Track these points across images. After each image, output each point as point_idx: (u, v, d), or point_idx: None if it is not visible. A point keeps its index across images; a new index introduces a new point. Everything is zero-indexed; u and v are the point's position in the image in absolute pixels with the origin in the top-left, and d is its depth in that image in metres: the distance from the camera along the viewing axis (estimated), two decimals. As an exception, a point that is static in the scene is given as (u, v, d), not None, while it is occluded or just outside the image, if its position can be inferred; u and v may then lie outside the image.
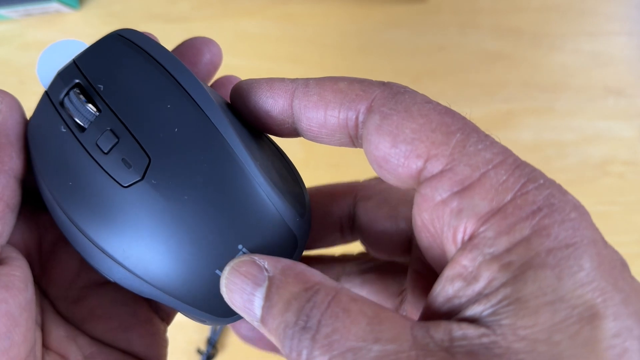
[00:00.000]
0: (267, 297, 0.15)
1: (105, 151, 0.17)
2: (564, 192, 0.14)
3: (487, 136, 0.15)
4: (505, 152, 0.15)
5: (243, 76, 0.50)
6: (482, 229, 0.14)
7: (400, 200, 0.21)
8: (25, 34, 0.46)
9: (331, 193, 0.23)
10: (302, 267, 0.15)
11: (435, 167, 0.15)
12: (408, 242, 0.21)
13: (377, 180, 0.22)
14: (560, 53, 0.45)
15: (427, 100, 0.16)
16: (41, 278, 0.20)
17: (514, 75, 0.45)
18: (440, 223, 0.15)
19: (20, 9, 0.43)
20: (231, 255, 0.17)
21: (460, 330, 0.13)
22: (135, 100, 0.17)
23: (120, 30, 0.19)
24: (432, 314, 0.14)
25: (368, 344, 0.13)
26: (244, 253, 0.17)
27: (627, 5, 0.46)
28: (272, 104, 0.19)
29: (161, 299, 0.17)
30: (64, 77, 0.19)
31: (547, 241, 0.13)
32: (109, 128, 0.17)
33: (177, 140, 0.17)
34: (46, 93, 0.19)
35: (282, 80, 0.19)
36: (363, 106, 0.16)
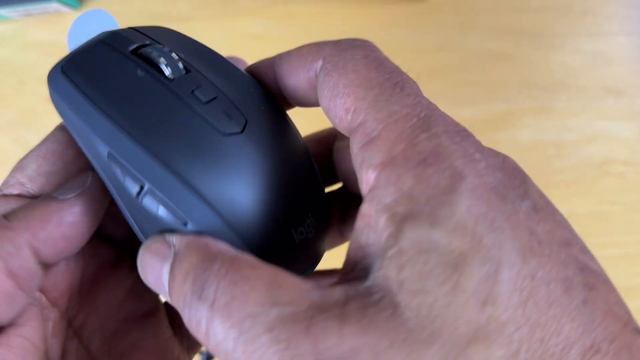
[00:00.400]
0: (171, 271, 0.15)
1: (205, 101, 0.17)
2: (456, 141, 0.14)
3: (403, 89, 0.16)
4: (415, 105, 0.15)
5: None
6: (376, 179, 0.14)
7: None
8: (25, 34, 0.46)
9: (316, 138, 0.23)
10: (206, 240, 0.15)
11: (355, 120, 0.16)
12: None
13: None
14: (560, 53, 0.45)
15: (365, 55, 0.17)
16: (79, 311, 0.20)
17: (514, 75, 0.45)
18: (357, 174, 0.15)
19: (20, 9, 0.43)
20: (304, 220, 0.18)
21: (354, 289, 0.13)
22: (211, 69, 0.19)
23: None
24: (350, 265, 0.14)
25: (266, 308, 0.13)
26: (311, 221, 0.18)
27: (627, 5, 0.46)
28: (265, 79, 0.20)
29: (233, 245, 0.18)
30: (128, 34, 0.19)
31: (426, 190, 0.13)
32: (201, 84, 0.18)
33: (260, 111, 0.18)
34: (102, 42, 0.19)
35: (266, 59, 0.21)
36: (317, 65, 0.18)
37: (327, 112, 0.17)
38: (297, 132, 0.20)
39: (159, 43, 0.19)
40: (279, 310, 0.13)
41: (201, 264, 0.14)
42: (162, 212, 0.16)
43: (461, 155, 0.14)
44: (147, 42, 0.19)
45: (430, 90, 0.44)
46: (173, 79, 0.18)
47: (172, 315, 0.23)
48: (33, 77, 0.46)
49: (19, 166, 0.19)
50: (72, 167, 0.19)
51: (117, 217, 0.20)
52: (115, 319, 0.21)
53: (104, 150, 0.17)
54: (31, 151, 0.19)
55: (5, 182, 0.19)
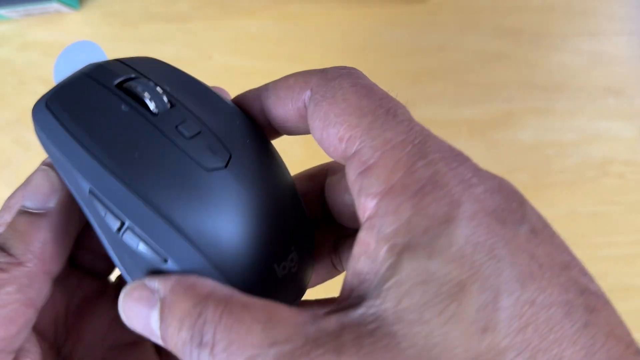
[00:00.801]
0: (162, 318, 0.15)
1: (189, 136, 0.17)
2: (453, 167, 0.14)
3: (396, 116, 0.16)
4: (409, 131, 0.15)
5: (242, 76, 0.51)
6: (376, 208, 0.14)
7: None
8: (25, 34, 0.46)
9: (307, 175, 0.23)
10: (191, 280, 0.16)
11: (350, 148, 0.16)
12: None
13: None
14: (560, 53, 0.45)
15: (353, 84, 0.17)
16: (66, 341, 0.20)
17: (514, 75, 0.45)
18: (354, 202, 0.16)
19: (20, 9, 0.43)
20: (287, 254, 0.18)
21: (348, 318, 0.13)
22: (196, 102, 0.19)
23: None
24: (346, 292, 0.15)
25: (264, 348, 0.13)
26: (294, 256, 0.19)
27: (627, 5, 0.46)
28: (251, 111, 0.20)
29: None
30: (114, 67, 0.19)
31: (424, 220, 0.13)
32: (186, 118, 0.18)
33: (245, 144, 0.19)
34: (87, 75, 0.19)
35: (252, 90, 0.21)
36: (305, 96, 0.18)
37: (320, 143, 0.17)
38: (283, 164, 0.21)
39: (145, 76, 0.19)
40: (277, 349, 0.13)
41: (194, 309, 0.15)
42: (142, 248, 0.16)
43: (458, 181, 0.14)
44: (133, 75, 0.19)
45: (430, 90, 0.44)
46: (157, 114, 0.18)
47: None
48: (33, 77, 0.46)
49: (7, 206, 0.19)
50: None
51: (98, 251, 0.20)
52: (102, 348, 0.21)
53: (85, 186, 0.17)
54: (18, 189, 0.19)
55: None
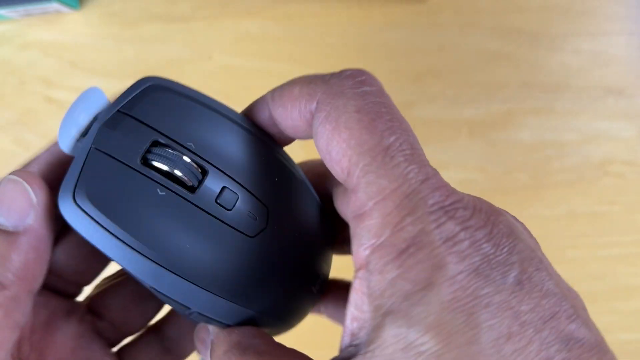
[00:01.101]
0: (211, 356, 0.18)
1: (229, 208, 0.18)
2: (441, 222, 0.14)
3: (393, 157, 0.15)
4: (404, 178, 0.15)
5: (242, 76, 0.51)
6: (366, 261, 0.15)
7: None
8: (25, 34, 0.46)
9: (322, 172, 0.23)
10: (239, 335, 0.18)
11: (349, 184, 0.16)
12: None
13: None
14: (560, 53, 0.45)
15: (358, 109, 0.16)
16: (30, 349, 0.20)
17: (514, 75, 0.45)
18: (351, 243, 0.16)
19: (20, 9, 0.43)
20: (318, 276, 0.20)
21: None
22: (224, 152, 0.18)
23: (149, 79, 0.21)
24: (348, 340, 0.15)
25: None
26: (317, 285, 0.20)
27: (627, 5, 0.46)
28: (262, 122, 0.20)
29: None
30: (122, 131, 0.18)
31: (407, 284, 0.14)
32: (223, 185, 0.18)
33: (278, 187, 0.19)
34: (104, 153, 0.17)
35: (259, 100, 0.21)
36: (312, 106, 0.18)
37: (324, 160, 0.17)
38: (304, 179, 0.21)
39: (160, 132, 0.18)
40: None
41: (227, 354, 0.17)
42: (207, 321, 0.18)
43: (444, 239, 0.14)
44: (151, 141, 0.18)
45: (430, 90, 0.44)
46: (195, 190, 0.17)
47: None
48: (33, 77, 0.46)
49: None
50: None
51: (67, 276, 0.21)
52: None
53: (142, 280, 0.17)
54: None
55: None
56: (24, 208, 0.17)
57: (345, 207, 0.21)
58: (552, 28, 0.45)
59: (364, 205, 0.15)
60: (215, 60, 0.45)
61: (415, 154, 0.16)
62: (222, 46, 0.45)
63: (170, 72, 0.45)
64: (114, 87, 0.45)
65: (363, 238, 0.15)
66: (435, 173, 0.15)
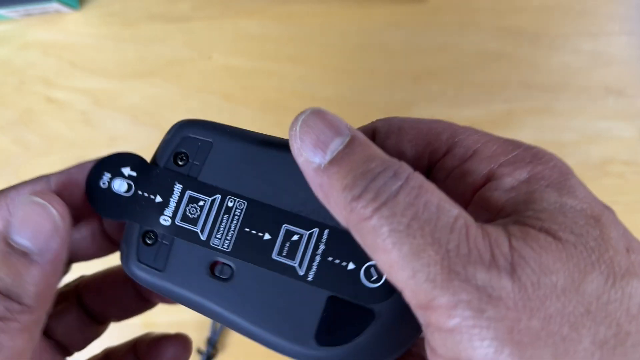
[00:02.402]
0: (349, 146, 0.16)
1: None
2: (547, 152, 0.17)
3: (469, 127, 0.19)
4: (489, 135, 0.19)
5: (242, 76, 0.51)
6: (487, 178, 0.17)
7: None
8: (25, 34, 0.46)
9: None
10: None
11: (436, 156, 0.18)
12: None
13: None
14: (560, 53, 0.45)
15: (415, 119, 0.19)
16: None
17: (514, 75, 0.45)
18: (453, 186, 0.18)
19: (20, 9, 0.43)
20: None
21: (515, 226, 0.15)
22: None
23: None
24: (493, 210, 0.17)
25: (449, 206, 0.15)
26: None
27: (627, 5, 0.46)
28: None
29: None
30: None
31: (542, 180, 0.16)
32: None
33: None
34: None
35: None
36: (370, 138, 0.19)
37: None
38: None
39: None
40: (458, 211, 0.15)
41: (388, 158, 0.16)
42: None
43: (556, 161, 0.17)
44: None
45: (430, 90, 0.44)
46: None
47: None
48: (33, 77, 0.45)
49: None
50: None
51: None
52: None
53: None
54: None
55: None
56: (50, 233, 0.17)
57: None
58: (552, 28, 0.45)
59: (464, 154, 0.18)
60: (215, 60, 0.45)
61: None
62: (222, 46, 0.45)
63: (170, 72, 0.45)
64: (114, 87, 0.45)
65: (477, 170, 0.18)
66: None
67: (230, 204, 0.19)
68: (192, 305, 0.19)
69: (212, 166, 0.19)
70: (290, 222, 0.18)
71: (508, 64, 0.45)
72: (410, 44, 0.45)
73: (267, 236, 0.18)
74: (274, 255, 0.18)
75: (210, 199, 0.19)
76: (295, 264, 0.18)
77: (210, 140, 0.19)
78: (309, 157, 0.16)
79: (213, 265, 0.18)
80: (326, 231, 0.18)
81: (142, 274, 0.19)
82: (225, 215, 0.19)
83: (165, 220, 0.19)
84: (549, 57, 0.45)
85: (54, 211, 0.17)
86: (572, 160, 0.44)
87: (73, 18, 0.46)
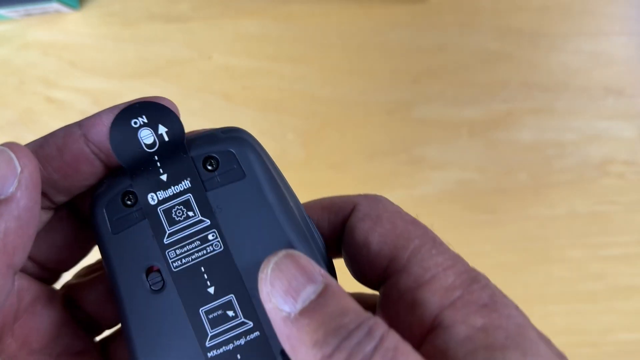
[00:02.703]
0: (322, 295, 0.15)
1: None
2: (504, 295, 0.17)
3: (442, 244, 0.18)
4: (455, 258, 0.18)
5: (242, 76, 0.51)
6: (441, 321, 0.16)
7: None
8: (25, 34, 0.46)
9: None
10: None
11: (395, 267, 0.18)
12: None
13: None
14: (560, 53, 0.45)
15: (398, 210, 0.19)
16: (9, 343, 0.19)
17: (514, 75, 0.45)
18: (403, 314, 0.17)
19: (20, 9, 0.43)
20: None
21: None
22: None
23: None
24: None
25: None
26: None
27: (627, 5, 0.46)
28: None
29: None
30: None
31: (500, 330, 0.16)
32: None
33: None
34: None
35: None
36: (345, 213, 0.20)
37: (353, 259, 0.19)
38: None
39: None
40: None
41: (362, 312, 0.16)
42: None
43: (514, 307, 0.17)
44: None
45: (430, 90, 0.44)
46: None
47: (106, 355, 0.22)
48: (33, 77, 0.45)
49: None
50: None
51: (48, 265, 0.20)
52: (47, 355, 0.20)
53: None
54: None
55: None
56: (7, 176, 0.17)
57: (355, 237, 0.21)
58: (552, 28, 0.45)
59: (420, 277, 0.17)
60: (215, 60, 0.45)
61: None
62: (222, 46, 0.45)
63: (170, 72, 0.45)
64: (114, 87, 0.45)
65: (428, 302, 0.17)
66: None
67: (210, 237, 0.18)
68: (108, 278, 0.18)
69: (226, 195, 0.18)
70: (239, 298, 0.18)
71: (508, 64, 0.45)
72: (410, 44, 0.45)
73: (211, 290, 0.18)
74: (201, 310, 0.18)
75: (200, 217, 0.18)
76: (209, 332, 0.17)
77: (245, 173, 0.18)
78: (278, 304, 0.15)
79: (152, 268, 0.18)
80: (256, 333, 0.17)
81: (98, 220, 0.18)
82: (197, 242, 0.18)
83: (152, 199, 0.18)
84: (549, 57, 0.45)
85: (13, 156, 0.17)
86: (572, 160, 0.44)
87: (73, 18, 0.46)
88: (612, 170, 0.44)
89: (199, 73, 0.45)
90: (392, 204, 0.20)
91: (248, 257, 0.18)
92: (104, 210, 0.18)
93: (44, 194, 0.19)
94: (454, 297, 0.16)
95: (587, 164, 0.44)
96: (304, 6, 0.46)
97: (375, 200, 0.20)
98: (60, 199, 0.19)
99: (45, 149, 0.18)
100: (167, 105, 0.19)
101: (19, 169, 0.17)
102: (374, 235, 0.18)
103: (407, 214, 0.19)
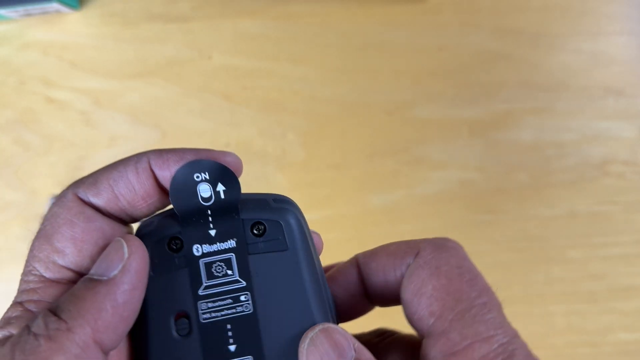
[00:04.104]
0: None
1: None
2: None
3: (491, 310, 0.18)
4: (498, 328, 0.17)
5: (242, 76, 0.51)
6: None
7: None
8: (25, 34, 0.46)
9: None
10: None
11: (438, 327, 0.18)
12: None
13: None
14: (560, 53, 0.45)
15: (459, 265, 0.19)
16: None
17: (514, 75, 0.45)
18: None
19: (20, 9, 0.43)
20: None
21: None
22: None
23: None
24: None
25: None
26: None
27: (627, 5, 0.46)
28: (346, 282, 0.22)
29: None
30: None
31: None
32: None
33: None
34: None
35: (345, 263, 0.22)
36: (409, 260, 0.20)
37: (407, 305, 0.19)
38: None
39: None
40: None
41: None
42: None
43: None
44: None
45: (430, 90, 0.44)
46: None
47: None
48: (33, 77, 0.45)
49: (54, 249, 0.18)
50: (101, 243, 0.19)
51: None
52: None
53: None
54: (57, 226, 0.18)
55: (42, 264, 0.18)
56: (112, 260, 0.18)
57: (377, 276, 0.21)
58: (552, 28, 0.45)
59: (456, 344, 0.17)
60: (215, 60, 0.45)
61: (503, 314, 0.18)
62: (222, 46, 0.45)
63: (170, 72, 0.45)
64: (114, 87, 0.45)
65: None
66: (517, 333, 0.18)
67: (242, 298, 0.19)
68: (141, 284, 0.19)
69: (266, 262, 0.19)
70: (255, 358, 0.18)
71: (508, 64, 0.45)
72: (410, 44, 0.45)
73: (232, 347, 0.19)
74: None
75: (237, 278, 0.19)
76: None
77: (288, 246, 0.19)
78: None
79: (182, 314, 0.19)
80: None
81: (139, 259, 0.18)
82: (229, 300, 0.19)
83: (197, 250, 0.19)
84: (549, 57, 0.45)
85: (124, 244, 0.18)
86: (572, 160, 0.44)
87: (73, 18, 0.46)
88: (612, 170, 0.44)
89: (199, 73, 0.45)
90: (457, 253, 0.19)
91: (273, 325, 0.19)
92: (149, 249, 0.19)
93: (118, 218, 0.20)
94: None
95: (587, 164, 0.44)
96: (304, 6, 0.46)
97: (440, 248, 0.19)
98: (129, 221, 0.20)
99: (120, 184, 0.19)
100: (232, 162, 0.20)
101: (126, 255, 0.18)
102: (427, 287, 0.18)
103: (469, 269, 0.19)
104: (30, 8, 0.43)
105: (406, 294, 0.19)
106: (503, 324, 0.17)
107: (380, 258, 0.20)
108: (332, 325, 0.18)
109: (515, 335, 0.17)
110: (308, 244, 0.20)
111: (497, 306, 0.18)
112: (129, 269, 0.17)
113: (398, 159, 0.44)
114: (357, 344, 0.17)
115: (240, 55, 0.45)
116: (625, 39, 0.45)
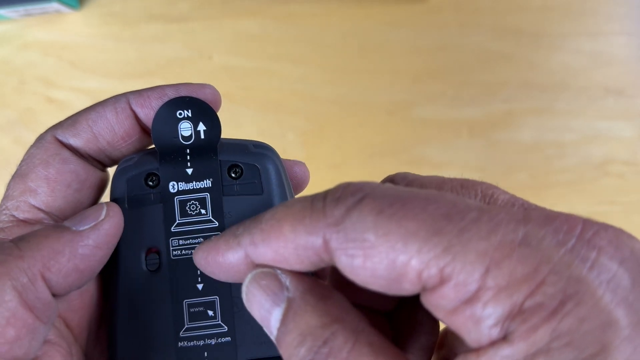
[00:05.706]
0: (283, 322, 0.15)
1: None
2: (592, 262, 0.12)
3: (471, 225, 0.13)
4: (498, 229, 0.12)
5: (242, 76, 0.50)
6: (498, 340, 0.12)
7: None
8: (25, 34, 0.46)
9: None
10: (324, 291, 0.15)
11: (429, 283, 0.13)
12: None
13: None
14: (560, 53, 0.45)
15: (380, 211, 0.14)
16: (94, 349, 0.20)
17: (514, 75, 0.45)
18: (459, 328, 0.13)
19: (20, 9, 0.43)
20: None
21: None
22: None
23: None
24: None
25: None
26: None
27: (627, 5, 0.46)
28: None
29: None
30: None
31: (571, 352, 0.11)
32: None
33: None
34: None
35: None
36: (317, 243, 0.16)
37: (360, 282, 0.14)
38: None
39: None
40: None
41: (320, 333, 0.14)
42: None
43: (605, 282, 0.12)
44: None
45: (430, 90, 0.44)
46: None
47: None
48: (33, 77, 0.46)
49: (27, 189, 0.18)
50: (82, 195, 0.19)
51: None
52: None
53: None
54: (33, 166, 0.19)
55: (14, 203, 0.18)
56: (89, 218, 0.18)
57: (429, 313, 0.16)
58: (552, 28, 0.45)
59: (465, 286, 0.12)
60: (215, 60, 0.45)
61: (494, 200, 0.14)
62: (222, 46, 0.45)
63: (170, 72, 0.45)
64: (114, 87, 0.45)
65: (484, 317, 0.12)
66: (529, 203, 0.13)
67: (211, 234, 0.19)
68: (107, 246, 0.19)
69: (240, 204, 0.19)
70: (222, 302, 0.19)
71: (508, 64, 0.45)
72: (410, 44, 0.45)
73: (199, 286, 0.19)
74: (185, 301, 0.19)
75: (210, 217, 0.19)
76: (186, 323, 0.18)
77: (263, 190, 0.19)
78: (265, 329, 0.16)
79: (153, 249, 0.19)
80: (227, 339, 0.18)
81: (117, 191, 0.19)
82: (201, 238, 0.19)
83: (173, 187, 0.19)
84: (549, 57, 0.45)
85: (104, 212, 0.18)
86: (572, 160, 0.44)
87: (73, 18, 0.46)
88: (612, 170, 0.44)
89: (199, 73, 0.45)
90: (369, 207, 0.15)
91: None
92: (125, 184, 0.19)
93: (97, 161, 0.20)
94: (519, 300, 0.12)
95: (587, 164, 0.44)
96: (304, 6, 0.46)
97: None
98: (109, 163, 0.20)
99: (99, 124, 0.19)
100: (211, 93, 0.20)
101: (101, 217, 0.18)
102: (373, 260, 0.14)
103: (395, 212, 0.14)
104: (30, 8, 0.43)
105: (357, 276, 0.15)
106: (498, 213, 0.13)
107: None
108: (260, 270, 0.15)
109: (526, 207, 0.13)
110: (285, 190, 0.20)
111: (469, 204, 0.13)
112: (99, 228, 0.18)
113: (398, 159, 0.44)
114: (291, 278, 0.15)
115: (240, 55, 0.45)
116: (625, 39, 0.45)
